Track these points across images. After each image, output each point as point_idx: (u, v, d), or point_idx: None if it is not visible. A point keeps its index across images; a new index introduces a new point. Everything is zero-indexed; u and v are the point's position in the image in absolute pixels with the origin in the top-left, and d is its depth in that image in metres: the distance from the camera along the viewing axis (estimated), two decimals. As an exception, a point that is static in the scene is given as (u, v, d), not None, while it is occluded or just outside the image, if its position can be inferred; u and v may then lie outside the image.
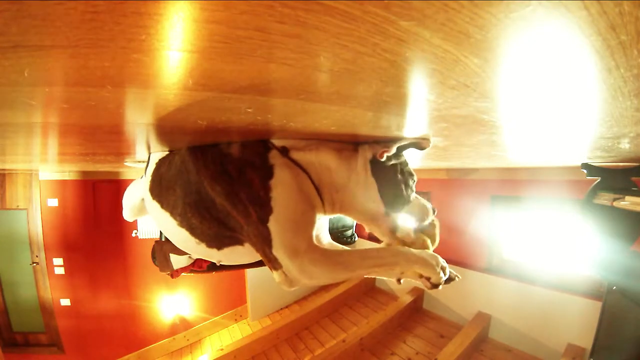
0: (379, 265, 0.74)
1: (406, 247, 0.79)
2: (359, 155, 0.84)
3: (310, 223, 0.79)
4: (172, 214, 0.93)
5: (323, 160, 0.83)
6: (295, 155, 0.83)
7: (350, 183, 0.84)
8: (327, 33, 0.29)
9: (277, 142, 0.84)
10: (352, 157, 0.84)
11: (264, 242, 0.77)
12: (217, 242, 0.90)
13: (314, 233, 0.81)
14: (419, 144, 0.81)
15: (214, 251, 0.93)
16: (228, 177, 0.80)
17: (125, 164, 1.52)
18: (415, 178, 0.89)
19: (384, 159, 0.81)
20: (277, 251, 0.74)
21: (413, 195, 0.88)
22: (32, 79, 0.39)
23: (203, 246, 0.92)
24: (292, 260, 0.72)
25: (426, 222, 0.88)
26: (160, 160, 1.04)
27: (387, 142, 0.85)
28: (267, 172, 0.78)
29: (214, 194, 0.82)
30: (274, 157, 0.81)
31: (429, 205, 0.89)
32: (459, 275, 0.85)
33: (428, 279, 0.77)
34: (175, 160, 0.95)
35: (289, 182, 0.78)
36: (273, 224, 0.75)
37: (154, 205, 1.01)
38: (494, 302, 3.16)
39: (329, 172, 0.84)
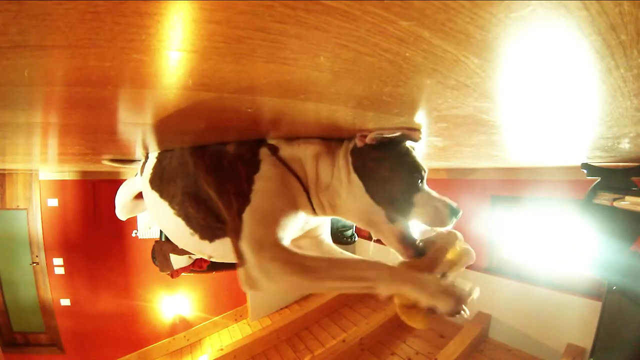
0: (352, 278, 0.61)
1: (399, 267, 0.64)
2: (342, 146, 0.78)
3: (285, 221, 0.73)
4: (171, 203, 0.94)
5: (309, 154, 0.80)
6: (283, 153, 0.81)
7: (333, 180, 0.78)
8: (327, 33, 0.29)
9: (269, 140, 0.84)
10: (337, 149, 0.79)
11: (235, 234, 0.72)
12: (210, 233, 0.90)
13: (289, 234, 0.75)
14: (409, 136, 0.71)
15: (205, 243, 0.92)
16: (220, 169, 0.82)
17: (103, 162, 1.47)
18: (424, 172, 0.74)
19: (361, 146, 0.72)
20: (243, 243, 0.68)
21: (420, 195, 0.71)
22: (32, 79, 0.39)
23: (196, 237, 0.92)
24: (254, 254, 0.66)
25: (440, 229, 0.68)
26: (160, 154, 1.05)
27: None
28: (254, 166, 0.79)
29: (207, 186, 0.84)
30: (264, 154, 0.81)
31: (444, 208, 0.69)
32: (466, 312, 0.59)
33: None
34: (176, 154, 0.97)
35: (272, 177, 0.77)
36: (247, 215, 0.72)
37: (152, 196, 1.02)
38: (494, 302, 3.16)
39: (315, 168, 0.80)
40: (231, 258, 0.87)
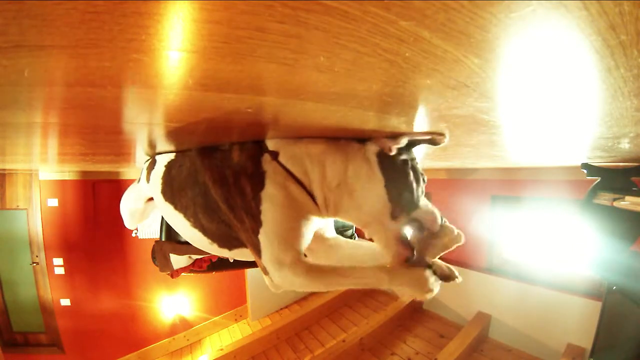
0: (361, 284, 0.74)
1: (394, 267, 0.74)
2: (364, 147, 0.79)
3: (298, 237, 0.79)
4: (186, 214, 0.96)
5: (313, 153, 0.80)
6: (283, 157, 0.81)
7: (347, 177, 0.78)
8: (328, 33, 0.29)
9: (270, 144, 0.83)
10: (349, 147, 0.80)
11: (255, 250, 0.81)
12: (227, 243, 0.93)
13: (305, 243, 0.81)
14: (433, 140, 0.75)
15: (225, 251, 0.96)
16: (226, 182, 0.83)
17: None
18: (425, 179, 0.81)
19: (393, 153, 0.75)
20: (265, 261, 0.79)
21: (422, 199, 0.79)
22: (32, 79, 0.39)
23: (215, 246, 0.96)
24: (277, 271, 0.77)
25: (435, 229, 0.78)
26: (169, 162, 1.05)
27: (396, 136, 0.78)
28: (259, 182, 0.80)
29: (217, 198, 0.85)
30: (265, 163, 0.81)
31: (436, 210, 0.80)
32: (459, 277, 0.81)
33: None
34: (185, 163, 0.97)
35: (278, 195, 0.79)
36: (262, 236, 0.78)
37: (167, 207, 1.03)
38: (494, 302, 3.16)
39: (321, 166, 0.80)
40: (251, 259, 0.95)
